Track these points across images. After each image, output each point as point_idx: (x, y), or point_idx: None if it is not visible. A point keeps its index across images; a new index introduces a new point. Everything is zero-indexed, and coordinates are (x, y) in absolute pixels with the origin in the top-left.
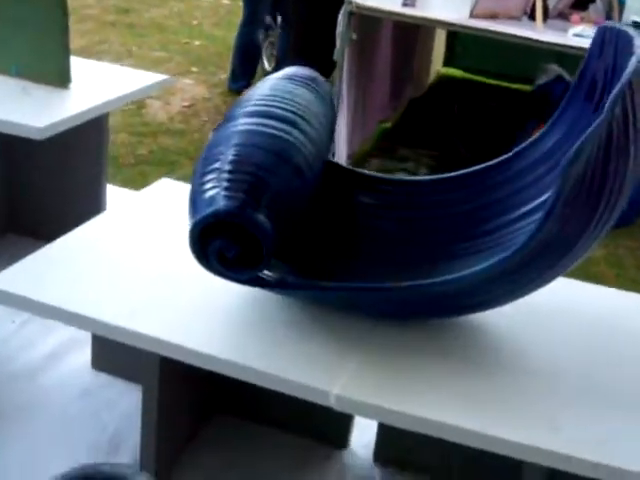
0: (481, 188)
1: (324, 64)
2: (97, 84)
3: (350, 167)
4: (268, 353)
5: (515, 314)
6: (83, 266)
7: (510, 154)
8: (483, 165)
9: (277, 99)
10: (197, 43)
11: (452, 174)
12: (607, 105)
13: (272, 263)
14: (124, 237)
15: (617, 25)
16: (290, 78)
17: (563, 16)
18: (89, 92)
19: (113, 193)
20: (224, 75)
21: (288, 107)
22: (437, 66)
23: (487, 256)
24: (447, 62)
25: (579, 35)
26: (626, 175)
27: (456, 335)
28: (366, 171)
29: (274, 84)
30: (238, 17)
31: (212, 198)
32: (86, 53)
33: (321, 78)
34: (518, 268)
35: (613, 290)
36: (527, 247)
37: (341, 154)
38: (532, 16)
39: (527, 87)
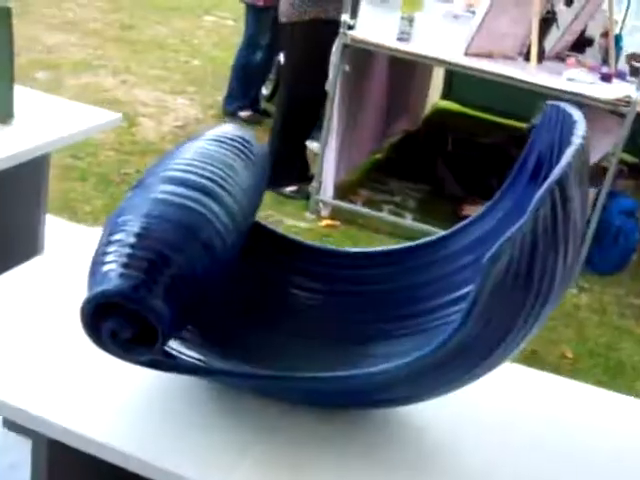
0: (409, 267)
1: (318, 93)
2: (42, 121)
3: (273, 229)
4: (161, 441)
5: (447, 403)
6: None
7: (443, 234)
8: (415, 243)
9: (197, 165)
10: (196, 63)
11: (379, 249)
12: (532, 205)
13: (183, 338)
14: (32, 298)
15: (563, 105)
16: (219, 140)
17: (560, 58)
18: (31, 130)
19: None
20: (220, 96)
21: (207, 174)
22: (434, 99)
23: (408, 342)
24: (445, 95)
25: (572, 79)
26: (555, 274)
27: (378, 425)
28: (291, 236)
29: (199, 147)
30: (240, 38)
31: (107, 274)
32: (83, 67)
33: (255, 141)
34: (438, 366)
35: (565, 380)
36: (446, 346)
37: (328, 184)
38: (528, 57)
39: (524, 125)
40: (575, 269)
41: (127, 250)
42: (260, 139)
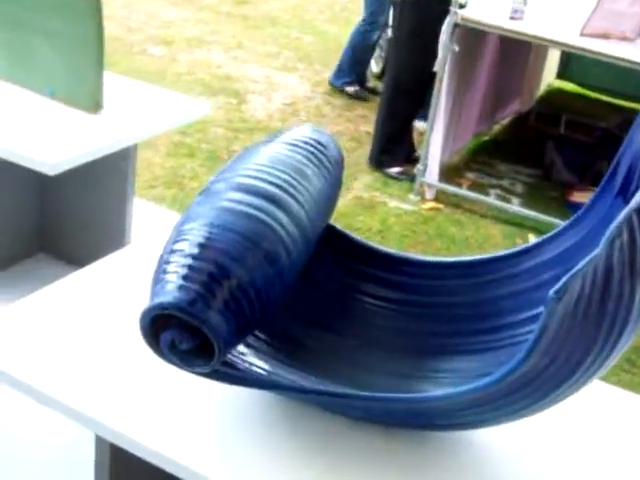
0: (487, 280)
1: (425, 72)
2: (130, 111)
3: (347, 233)
4: (218, 451)
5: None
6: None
7: (525, 247)
8: (494, 255)
9: (266, 171)
10: (307, 39)
11: (456, 260)
12: (607, 234)
13: (249, 344)
14: (114, 292)
15: None
16: (292, 144)
17: None
18: (119, 121)
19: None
20: (329, 73)
21: (275, 181)
22: (549, 78)
23: (479, 358)
24: (560, 75)
25: None
26: (632, 307)
27: (444, 444)
28: (364, 241)
29: (271, 151)
30: (353, 14)
31: (166, 285)
32: (196, 42)
33: (332, 143)
34: (504, 395)
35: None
36: (512, 375)
37: (433, 166)
38: None
39: None
40: None
41: (188, 261)
42: (365, 117)
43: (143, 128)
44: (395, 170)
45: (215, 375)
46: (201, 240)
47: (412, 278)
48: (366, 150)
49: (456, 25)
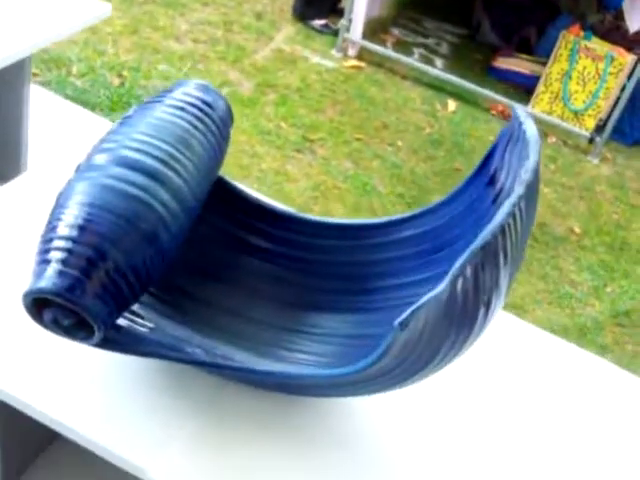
0: (363, 245)
1: None
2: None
3: (234, 187)
4: (93, 411)
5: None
6: None
7: (399, 217)
8: (371, 221)
9: (149, 142)
10: None
11: (336, 221)
12: (451, 271)
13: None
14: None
15: (525, 123)
16: (178, 107)
17: None
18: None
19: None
20: None
21: (159, 154)
22: None
23: (347, 318)
24: None
25: None
26: (474, 326)
27: (313, 405)
28: (252, 195)
29: (156, 117)
30: None
31: (47, 269)
32: None
33: (219, 100)
34: (363, 380)
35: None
36: (369, 368)
37: (358, 21)
38: None
39: None
40: (500, 305)
41: (67, 244)
42: None
43: (39, 34)
44: (319, 22)
45: (102, 345)
46: (80, 222)
47: (296, 234)
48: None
49: None
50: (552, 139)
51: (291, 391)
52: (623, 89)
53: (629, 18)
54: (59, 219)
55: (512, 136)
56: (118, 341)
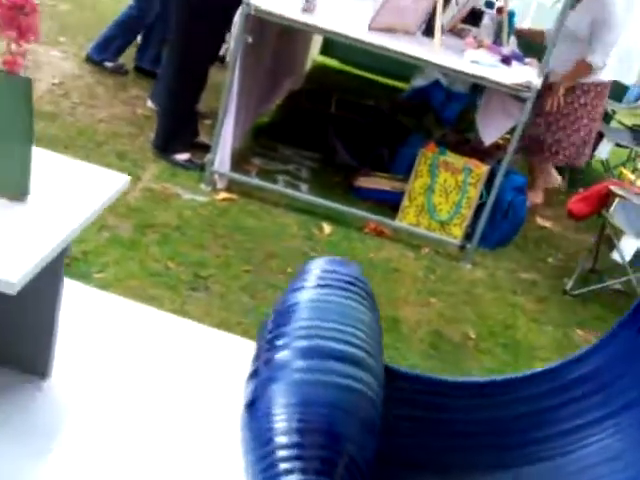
0: (501, 401)
1: (213, 58)
2: (57, 193)
3: (397, 368)
4: None
5: None
6: None
7: (552, 367)
8: (527, 374)
9: (331, 326)
10: (64, 7)
11: (500, 379)
12: None
13: None
14: None
15: None
16: (342, 288)
17: (455, 32)
18: (50, 208)
19: None
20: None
21: (348, 338)
22: (314, 54)
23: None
24: (323, 51)
25: (476, 62)
26: None
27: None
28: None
29: (325, 300)
30: None
31: None
32: None
33: (361, 272)
34: None
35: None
36: None
37: (225, 155)
38: (427, 32)
39: (402, 85)
40: None
41: (294, 452)
42: (141, 97)
43: (76, 218)
44: (182, 157)
45: None
46: (298, 425)
47: (434, 396)
48: (148, 136)
49: (248, 16)
50: (425, 250)
51: None
52: (481, 197)
53: (483, 132)
54: (270, 429)
55: None
56: None
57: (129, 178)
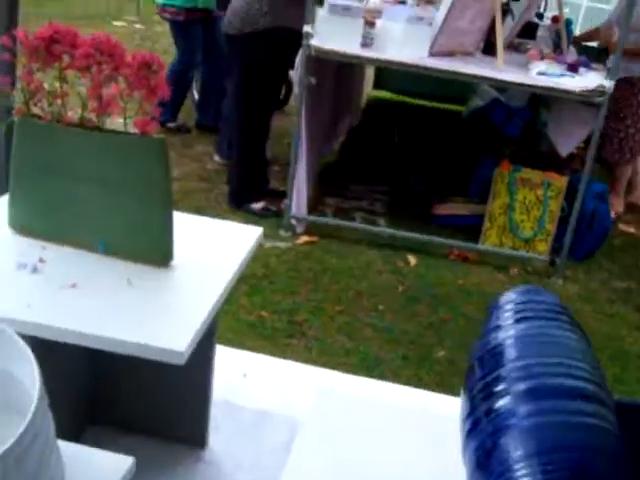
0: None
1: (275, 104)
2: (197, 254)
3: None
4: None
5: None
6: None
7: None
8: None
9: (554, 361)
10: None
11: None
12: None
13: None
14: None
15: None
16: (553, 319)
17: (514, 47)
18: (196, 269)
19: None
20: None
21: (575, 372)
22: (367, 89)
23: None
24: (376, 84)
25: (543, 73)
26: None
27: None
28: None
29: (531, 335)
30: (154, 42)
31: None
32: None
33: (562, 302)
34: None
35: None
36: None
37: (301, 199)
38: (486, 50)
39: (457, 107)
40: None
41: None
42: (208, 153)
43: (225, 276)
44: (258, 206)
45: None
46: (546, 477)
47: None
48: (221, 190)
49: (309, 57)
50: (514, 270)
51: None
52: (563, 210)
53: (558, 144)
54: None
55: None
56: None
57: (261, 229)
